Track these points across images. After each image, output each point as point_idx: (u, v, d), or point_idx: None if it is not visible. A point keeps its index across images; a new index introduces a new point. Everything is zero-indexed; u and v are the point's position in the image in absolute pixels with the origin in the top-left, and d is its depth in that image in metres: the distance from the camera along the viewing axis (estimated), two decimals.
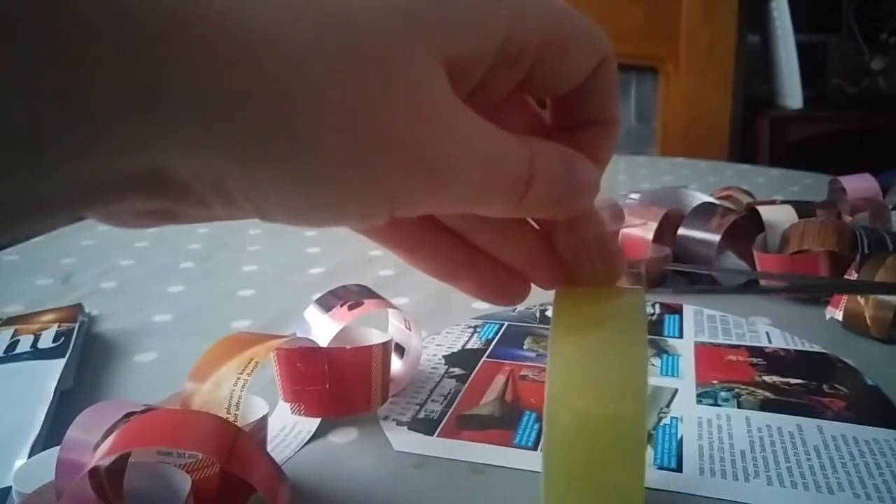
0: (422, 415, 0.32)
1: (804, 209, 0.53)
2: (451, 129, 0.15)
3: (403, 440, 0.30)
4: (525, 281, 0.22)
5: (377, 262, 0.58)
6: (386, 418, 0.32)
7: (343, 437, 0.31)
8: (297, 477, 0.28)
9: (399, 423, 0.31)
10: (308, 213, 0.15)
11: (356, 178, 0.14)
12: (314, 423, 0.31)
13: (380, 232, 0.21)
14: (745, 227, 0.52)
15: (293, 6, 0.13)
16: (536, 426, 0.31)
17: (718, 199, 0.60)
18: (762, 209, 0.53)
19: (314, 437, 0.31)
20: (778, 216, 0.52)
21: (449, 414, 0.32)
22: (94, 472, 0.22)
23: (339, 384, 0.30)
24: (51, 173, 0.12)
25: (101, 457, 0.22)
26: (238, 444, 0.23)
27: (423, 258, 0.22)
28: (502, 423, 0.31)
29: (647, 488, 0.26)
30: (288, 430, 0.31)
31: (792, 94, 1.91)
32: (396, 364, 0.35)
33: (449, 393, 0.34)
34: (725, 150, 1.97)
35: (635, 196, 0.62)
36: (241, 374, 0.27)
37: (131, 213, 0.16)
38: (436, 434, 0.30)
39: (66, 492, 0.22)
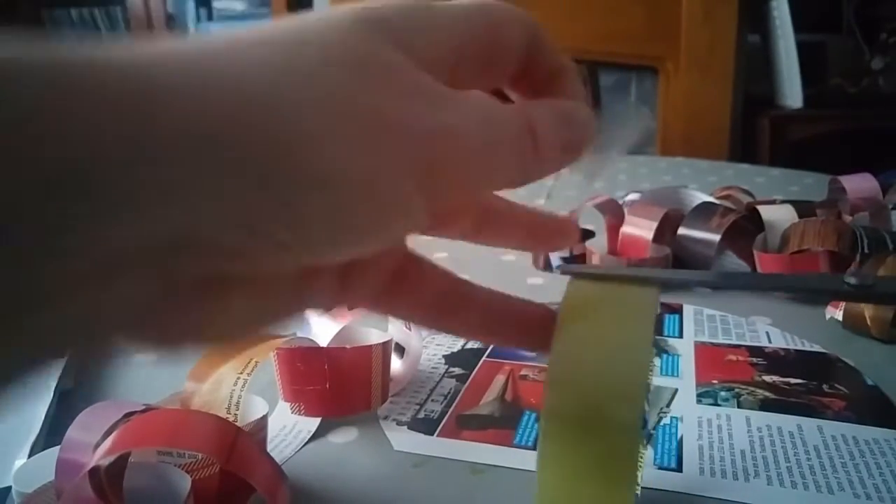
0: (422, 415, 0.32)
1: (804, 209, 0.53)
2: (439, 101, 0.15)
3: (403, 440, 0.30)
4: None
5: None
6: (386, 418, 0.32)
7: (343, 437, 0.31)
8: (297, 477, 0.28)
9: (399, 423, 0.31)
10: (351, 235, 0.14)
11: (376, 182, 0.14)
12: (314, 422, 0.31)
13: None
14: (745, 227, 0.52)
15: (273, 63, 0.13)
16: (536, 426, 0.31)
17: (718, 198, 0.60)
18: (762, 209, 0.53)
19: (314, 437, 0.31)
20: (778, 216, 0.52)
21: (449, 414, 0.32)
22: (94, 472, 0.22)
23: (339, 384, 0.30)
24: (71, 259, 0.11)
25: (100, 457, 0.22)
26: (238, 444, 0.23)
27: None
28: (502, 423, 0.31)
29: (646, 488, 0.26)
30: (288, 429, 0.31)
31: (792, 93, 1.91)
32: (396, 364, 0.35)
33: (449, 393, 0.34)
34: (725, 150, 1.98)
35: (635, 195, 0.62)
36: (241, 373, 0.27)
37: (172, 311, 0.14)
38: (436, 434, 0.30)
39: (66, 492, 0.22)
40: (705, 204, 0.55)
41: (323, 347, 0.31)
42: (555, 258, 0.51)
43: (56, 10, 2.33)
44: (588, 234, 0.53)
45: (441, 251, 0.53)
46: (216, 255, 0.13)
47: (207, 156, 0.12)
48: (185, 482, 0.23)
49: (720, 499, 0.26)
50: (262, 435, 0.27)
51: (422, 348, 0.37)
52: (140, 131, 0.11)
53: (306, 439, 0.31)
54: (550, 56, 0.20)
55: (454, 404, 0.33)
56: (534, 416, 0.31)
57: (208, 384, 0.27)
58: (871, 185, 0.60)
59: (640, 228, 0.51)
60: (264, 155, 0.12)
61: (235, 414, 0.26)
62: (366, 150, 0.13)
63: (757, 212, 0.53)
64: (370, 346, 0.31)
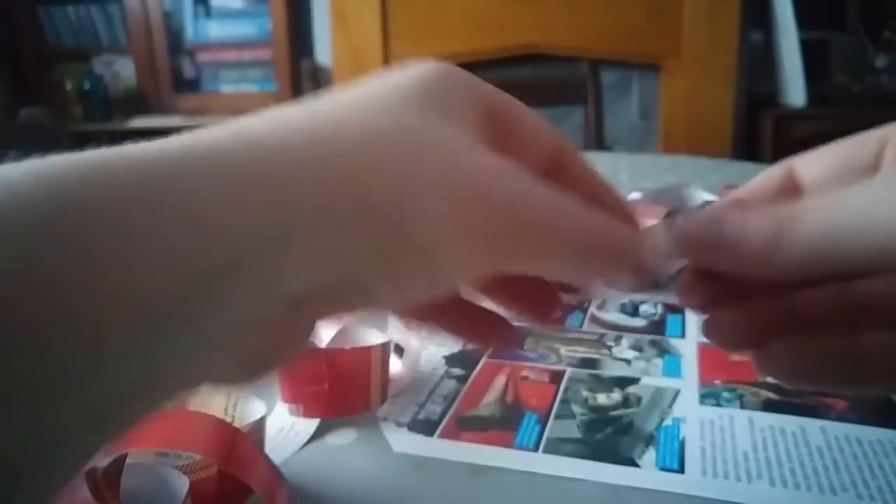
0: (422, 416, 0.32)
1: None
2: (508, 175, 0.17)
3: (403, 441, 0.30)
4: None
5: None
6: (385, 419, 0.32)
7: (342, 439, 0.31)
8: (296, 478, 0.28)
9: (399, 424, 0.31)
10: (430, 291, 0.17)
11: (460, 250, 0.16)
12: (313, 424, 0.31)
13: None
14: None
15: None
16: (538, 427, 0.30)
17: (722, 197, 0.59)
18: None
19: (312, 438, 0.31)
20: None
21: (449, 415, 0.32)
22: (91, 474, 0.22)
23: (338, 384, 0.30)
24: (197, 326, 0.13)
25: (98, 458, 0.22)
26: (237, 446, 0.23)
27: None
28: (503, 424, 0.31)
29: (648, 490, 0.26)
30: (286, 430, 0.31)
31: (795, 91, 1.91)
32: (396, 364, 0.35)
33: (449, 394, 0.33)
34: (728, 148, 1.97)
35: (638, 194, 0.62)
36: None
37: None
38: (436, 435, 0.30)
39: (63, 493, 0.22)
40: (708, 203, 0.55)
41: (322, 348, 0.31)
42: None
43: (52, 7, 2.33)
44: None
45: None
46: (324, 306, 0.16)
47: (330, 229, 0.14)
48: (182, 483, 0.23)
49: (722, 500, 0.26)
50: (260, 436, 0.27)
51: (421, 349, 0.37)
52: (285, 212, 0.14)
53: (305, 440, 0.31)
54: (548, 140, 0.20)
55: (454, 405, 0.32)
56: (535, 417, 0.31)
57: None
58: None
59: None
60: (377, 226, 0.15)
61: (233, 415, 0.26)
62: (454, 222, 0.15)
63: None
64: (370, 347, 0.31)
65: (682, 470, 0.28)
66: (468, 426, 0.31)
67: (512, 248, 0.16)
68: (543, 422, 0.30)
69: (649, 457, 0.28)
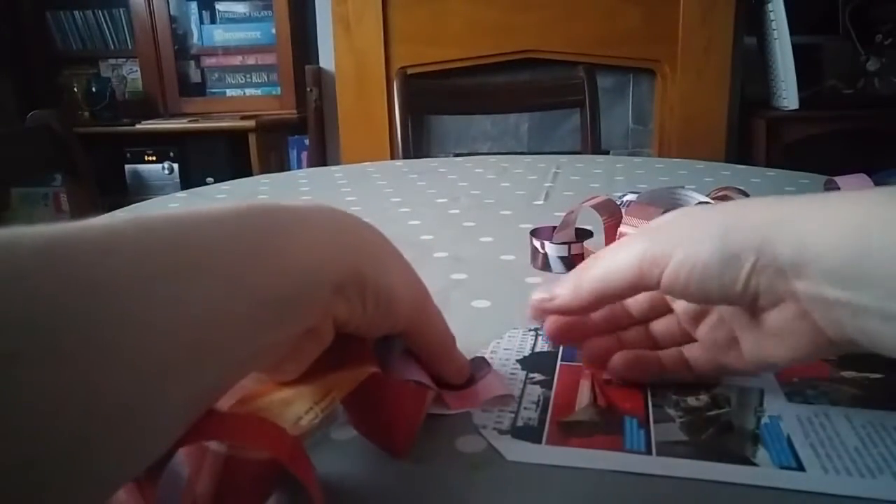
0: (520, 423, 0.30)
1: None
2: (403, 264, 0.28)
3: (516, 450, 0.28)
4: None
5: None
6: (485, 427, 0.30)
7: (346, 434, 0.29)
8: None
9: (501, 432, 0.30)
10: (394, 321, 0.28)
11: (404, 294, 0.27)
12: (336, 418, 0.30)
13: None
14: None
15: None
16: (642, 431, 0.29)
17: (715, 199, 0.60)
18: None
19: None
20: None
21: (548, 421, 0.30)
22: None
23: (388, 416, 0.28)
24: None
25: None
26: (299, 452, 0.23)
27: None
28: (607, 429, 0.30)
29: (773, 488, 0.26)
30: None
31: (788, 95, 1.93)
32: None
33: (538, 399, 0.32)
34: (722, 151, 2.00)
35: (633, 196, 0.63)
36: (317, 404, 0.24)
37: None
38: (543, 441, 0.29)
39: None
40: (702, 204, 0.56)
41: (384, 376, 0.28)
42: (553, 258, 0.53)
43: (60, 12, 2.35)
44: (586, 234, 0.55)
45: (441, 251, 0.55)
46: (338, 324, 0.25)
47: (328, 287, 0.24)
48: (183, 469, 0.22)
49: (852, 496, 0.25)
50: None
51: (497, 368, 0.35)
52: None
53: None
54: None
55: (549, 411, 0.31)
56: (635, 421, 0.30)
57: (278, 395, 0.25)
58: (866, 185, 0.60)
59: (637, 228, 0.52)
60: (369, 286, 0.25)
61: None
62: (403, 279, 0.27)
63: None
64: (426, 389, 0.29)
65: (801, 468, 0.27)
66: (573, 432, 0.30)
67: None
68: (645, 425, 0.30)
69: (763, 455, 0.28)
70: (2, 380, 0.13)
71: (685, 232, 0.28)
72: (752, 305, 0.28)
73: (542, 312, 0.32)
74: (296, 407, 0.24)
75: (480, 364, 0.34)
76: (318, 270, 0.23)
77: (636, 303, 0.34)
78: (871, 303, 0.24)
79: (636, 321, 0.34)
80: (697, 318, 0.32)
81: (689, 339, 0.33)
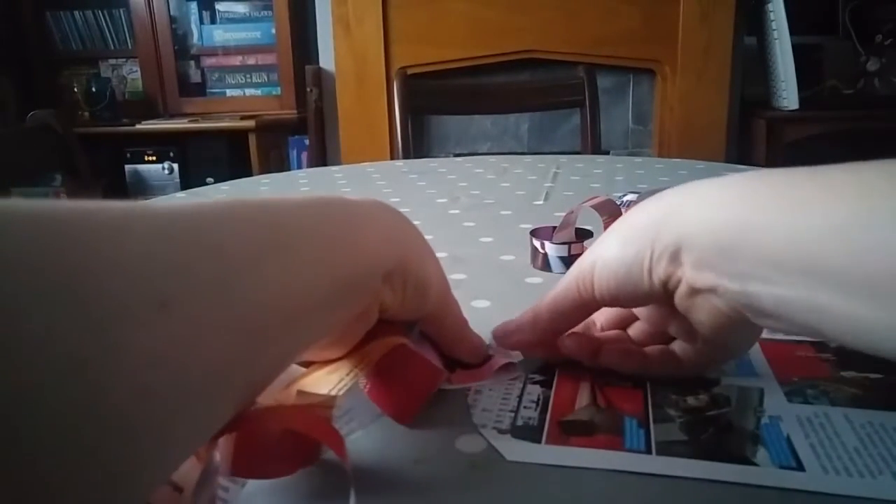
0: (520, 422, 0.30)
1: None
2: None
3: (517, 450, 0.28)
4: None
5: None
6: (485, 426, 0.30)
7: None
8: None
9: (501, 431, 0.30)
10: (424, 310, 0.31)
11: (438, 281, 0.31)
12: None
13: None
14: None
15: None
16: (641, 431, 0.29)
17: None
18: None
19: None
20: None
21: (548, 420, 0.30)
22: None
23: (409, 388, 0.30)
24: None
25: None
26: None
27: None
28: (607, 429, 0.30)
29: (773, 488, 0.26)
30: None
31: (788, 95, 1.94)
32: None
33: (538, 399, 0.32)
34: (722, 151, 2.00)
35: (633, 196, 0.64)
36: (353, 369, 0.27)
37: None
38: (543, 441, 0.29)
39: None
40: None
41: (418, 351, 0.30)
42: (553, 258, 0.53)
43: (60, 12, 2.35)
44: (586, 234, 0.55)
45: (441, 251, 0.55)
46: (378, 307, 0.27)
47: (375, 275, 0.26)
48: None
49: (853, 496, 0.25)
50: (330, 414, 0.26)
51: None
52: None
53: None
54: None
55: (549, 411, 0.31)
56: (635, 421, 0.30)
57: (321, 372, 0.28)
58: None
59: None
60: (411, 276, 0.27)
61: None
62: (434, 270, 0.30)
63: None
64: (441, 370, 0.31)
65: (800, 467, 0.27)
66: (573, 431, 0.30)
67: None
68: (645, 425, 0.30)
69: (763, 455, 0.28)
70: (158, 319, 0.15)
71: (602, 241, 0.30)
72: (671, 298, 0.28)
73: (505, 345, 0.34)
74: (335, 375, 0.27)
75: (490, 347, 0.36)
76: (375, 260, 0.26)
77: (607, 320, 0.35)
78: (745, 270, 0.24)
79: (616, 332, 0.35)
80: (662, 318, 0.32)
81: (670, 339, 0.33)
